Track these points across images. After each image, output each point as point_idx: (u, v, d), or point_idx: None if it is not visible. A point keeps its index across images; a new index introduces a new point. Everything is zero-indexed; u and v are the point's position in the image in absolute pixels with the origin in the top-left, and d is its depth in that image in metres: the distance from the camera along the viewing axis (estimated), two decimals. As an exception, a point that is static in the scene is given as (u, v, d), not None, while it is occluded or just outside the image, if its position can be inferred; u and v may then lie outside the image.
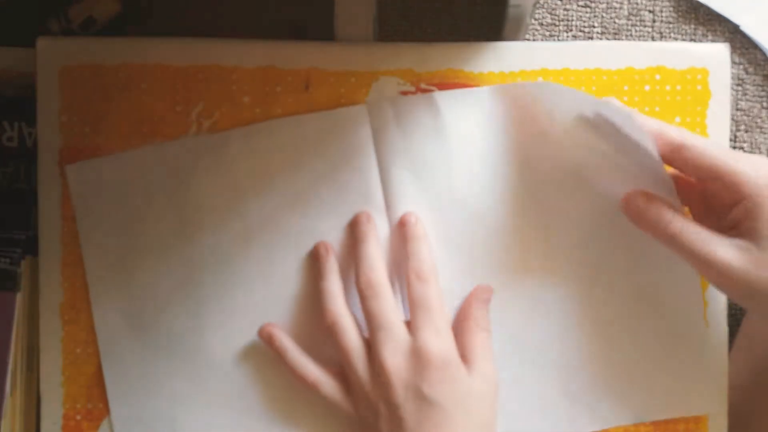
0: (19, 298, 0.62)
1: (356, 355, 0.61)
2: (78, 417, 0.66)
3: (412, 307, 0.61)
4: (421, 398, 0.58)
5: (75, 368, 0.66)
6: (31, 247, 0.65)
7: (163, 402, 0.66)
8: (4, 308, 0.61)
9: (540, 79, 0.65)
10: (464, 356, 0.61)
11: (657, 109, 0.66)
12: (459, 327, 0.63)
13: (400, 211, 0.65)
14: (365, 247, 0.63)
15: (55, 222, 0.66)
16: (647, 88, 0.66)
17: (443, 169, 0.65)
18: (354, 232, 0.65)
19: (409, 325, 0.61)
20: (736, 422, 0.66)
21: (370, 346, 0.61)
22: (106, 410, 0.66)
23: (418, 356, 0.59)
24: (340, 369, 0.63)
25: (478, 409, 0.60)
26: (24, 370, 0.64)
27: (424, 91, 0.66)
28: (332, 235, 0.65)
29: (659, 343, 0.66)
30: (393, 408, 0.59)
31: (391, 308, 0.61)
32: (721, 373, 0.66)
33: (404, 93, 0.66)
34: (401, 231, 0.64)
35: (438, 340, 0.60)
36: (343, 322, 0.62)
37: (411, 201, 0.65)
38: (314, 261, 0.65)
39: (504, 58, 0.66)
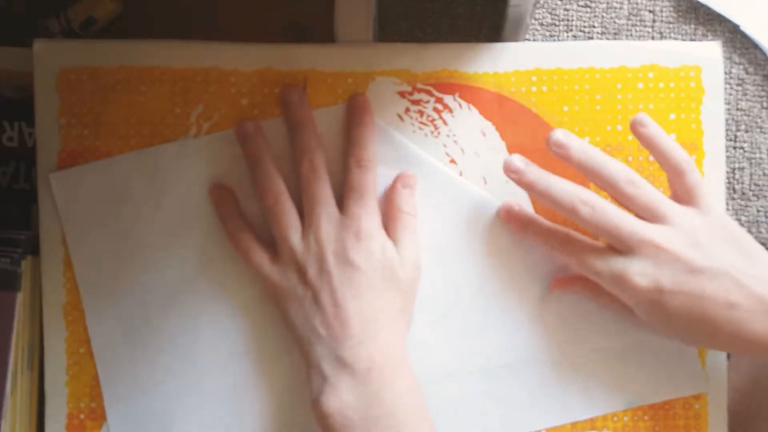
0: (20, 298, 0.62)
1: (293, 228, 0.64)
2: (81, 416, 0.66)
3: (347, 191, 0.64)
4: (347, 263, 0.62)
5: (78, 368, 0.66)
6: (32, 247, 0.65)
7: (158, 402, 0.66)
8: (4, 308, 0.61)
9: (534, 78, 0.66)
10: (390, 239, 0.64)
11: (651, 106, 0.66)
12: (384, 213, 0.65)
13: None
14: (303, 135, 0.65)
15: (55, 223, 0.66)
16: (640, 86, 0.66)
17: (430, 162, 0.66)
18: (289, 119, 0.66)
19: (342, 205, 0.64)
20: (735, 424, 0.66)
21: (305, 222, 0.63)
22: (110, 409, 0.67)
23: (347, 227, 0.63)
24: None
25: (398, 282, 0.63)
26: (25, 369, 0.64)
27: (421, 90, 0.66)
28: None
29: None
30: (322, 273, 0.62)
31: (328, 191, 0.64)
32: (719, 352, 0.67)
33: (401, 93, 0.66)
34: (348, 114, 0.66)
35: (366, 218, 0.63)
36: (284, 200, 0.64)
37: None
38: (242, 144, 0.66)
39: (499, 58, 0.66)
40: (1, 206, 0.68)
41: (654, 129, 0.62)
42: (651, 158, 0.66)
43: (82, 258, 0.66)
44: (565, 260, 0.65)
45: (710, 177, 0.66)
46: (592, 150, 0.62)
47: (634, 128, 0.63)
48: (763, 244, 0.68)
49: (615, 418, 0.66)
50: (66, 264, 0.66)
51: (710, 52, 0.66)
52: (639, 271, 0.59)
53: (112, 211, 0.66)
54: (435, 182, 0.66)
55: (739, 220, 0.69)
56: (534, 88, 0.66)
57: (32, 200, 0.66)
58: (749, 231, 0.69)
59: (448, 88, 0.66)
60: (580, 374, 0.66)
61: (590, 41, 0.69)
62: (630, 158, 0.66)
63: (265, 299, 0.65)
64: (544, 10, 0.69)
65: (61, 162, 0.66)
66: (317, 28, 0.68)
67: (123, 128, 0.66)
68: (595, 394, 0.66)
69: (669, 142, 0.62)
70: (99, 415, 0.67)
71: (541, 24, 0.69)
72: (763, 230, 0.69)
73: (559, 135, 0.62)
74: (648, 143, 0.63)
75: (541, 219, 0.65)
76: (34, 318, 0.66)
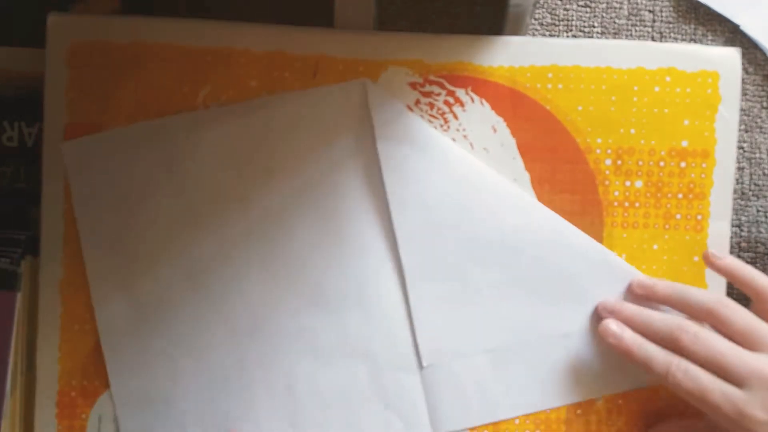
0: (20, 298, 0.61)
1: None
2: (73, 393, 0.66)
3: None
4: None
5: (72, 345, 0.66)
6: (32, 247, 0.65)
7: (163, 378, 0.65)
8: (4, 308, 0.60)
9: (550, 75, 0.66)
10: None
11: (666, 111, 0.66)
12: None
13: (400, 189, 0.65)
14: None
15: (58, 197, 0.65)
16: (657, 89, 0.66)
17: (445, 143, 0.66)
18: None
19: None
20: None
21: None
22: (102, 388, 0.66)
23: None
24: None
25: None
26: (24, 370, 0.64)
27: (432, 83, 0.66)
28: (333, 215, 0.66)
29: None
30: None
31: None
32: None
33: (412, 84, 0.66)
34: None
35: None
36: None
37: (412, 180, 0.65)
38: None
39: (514, 52, 0.66)
40: (1, 206, 0.67)
41: (730, 259, 0.63)
42: (662, 164, 0.66)
43: (89, 229, 0.65)
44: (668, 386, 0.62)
45: (719, 186, 0.66)
46: (675, 283, 0.64)
47: (709, 260, 0.64)
48: (762, 244, 0.69)
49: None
50: (65, 239, 0.65)
51: (729, 59, 0.66)
52: (759, 405, 0.57)
53: (124, 182, 0.65)
54: (445, 160, 0.65)
55: (739, 220, 0.69)
56: (549, 85, 0.66)
57: (32, 200, 0.66)
58: (749, 231, 0.69)
59: (461, 81, 0.66)
60: (587, 356, 0.66)
61: (610, 40, 0.69)
62: (640, 162, 0.66)
63: None
64: (544, 10, 0.70)
65: (67, 136, 0.65)
66: (317, 26, 0.68)
67: (130, 105, 0.66)
68: (597, 374, 0.66)
69: (748, 269, 0.62)
70: (91, 393, 0.66)
71: (541, 24, 0.70)
72: (763, 230, 0.69)
73: (643, 278, 0.65)
74: (727, 272, 0.63)
75: (653, 348, 0.62)
76: (33, 319, 0.65)
